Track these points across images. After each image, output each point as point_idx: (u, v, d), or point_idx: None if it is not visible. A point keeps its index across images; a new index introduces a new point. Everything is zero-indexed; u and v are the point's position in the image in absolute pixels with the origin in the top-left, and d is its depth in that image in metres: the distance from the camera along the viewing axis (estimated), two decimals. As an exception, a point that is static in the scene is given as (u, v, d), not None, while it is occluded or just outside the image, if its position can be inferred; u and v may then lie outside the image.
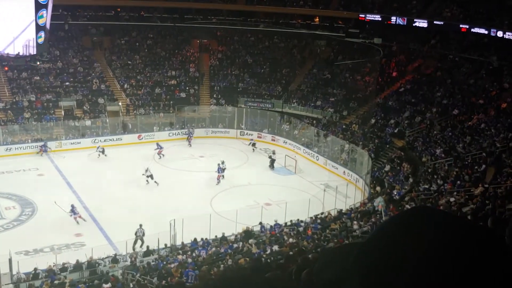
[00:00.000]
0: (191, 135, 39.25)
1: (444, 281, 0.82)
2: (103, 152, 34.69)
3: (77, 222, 25.01)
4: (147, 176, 29.97)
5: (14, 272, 19.54)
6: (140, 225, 23.25)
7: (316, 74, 45.39)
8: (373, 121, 37.45)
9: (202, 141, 39.60)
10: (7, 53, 39.13)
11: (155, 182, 29.99)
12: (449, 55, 40.56)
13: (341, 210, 26.56)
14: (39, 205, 27.12)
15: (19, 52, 39.61)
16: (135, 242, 22.97)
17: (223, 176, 31.33)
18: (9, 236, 23.95)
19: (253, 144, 38.13)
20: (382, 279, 0.84)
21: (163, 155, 35.01)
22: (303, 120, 40.79)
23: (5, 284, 18.99)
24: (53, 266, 20.33)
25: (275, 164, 34.48)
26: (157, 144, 35.45)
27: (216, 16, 48.98)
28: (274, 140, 40.02)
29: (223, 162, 31.73)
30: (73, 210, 25.07)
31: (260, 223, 24.39)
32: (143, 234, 23.02)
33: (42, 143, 35.49)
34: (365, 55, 44.12)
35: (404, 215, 0.93)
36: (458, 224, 0.90)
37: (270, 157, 34.84)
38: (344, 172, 33.62)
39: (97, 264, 20.86)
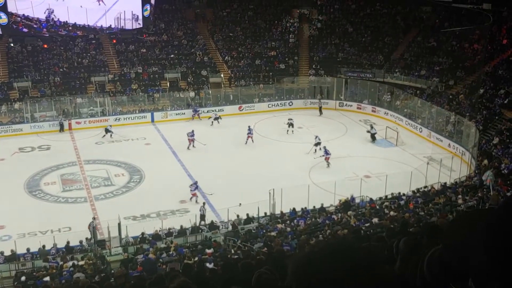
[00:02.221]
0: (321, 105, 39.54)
1: None
2: (217, 119, 35.97)
3: (191, 199, 25.04)
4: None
5: (123, 236, 20.79)
6: (204, 203, 23.52)
7: (421, 42, 43.59)
8: (481, 91, 35.51)
9: (301, 112, 39.60)
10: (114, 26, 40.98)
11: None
12: None
13: (445, 184, 25.60)
14: (146, 173, 28.53)
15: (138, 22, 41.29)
16: (200, 221, 22.79)
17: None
18: (118, 201, 25.44)
19: (291, 125, 34.67)
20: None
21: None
22: (406, 90, 39.49)
23: (115, 247, 20.26)
24: (159, 231, 21.41)
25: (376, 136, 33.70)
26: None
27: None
28: (375, 111, 39.15)
29: (316, 137, 31.51)
30: (195, 185, 25.24)
31: (352, 196, 24.04)
32: (204, 213, 22.94)
33: (193, 109, 37.74)
34: (474, 21, 41.63)
35: None
36: None
37: (368, 131, 33.92)
38: (449, 144, 32.30)
39: (200, 230, 21.70)
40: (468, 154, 30.02)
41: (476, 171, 27.29)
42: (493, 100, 34.26)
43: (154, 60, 42.39)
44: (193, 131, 32.28)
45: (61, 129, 35.32)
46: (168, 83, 40.86)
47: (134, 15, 40.31)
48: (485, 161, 28.18)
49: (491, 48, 39.42)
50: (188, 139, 31.99)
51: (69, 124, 35.67)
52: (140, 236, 20.95)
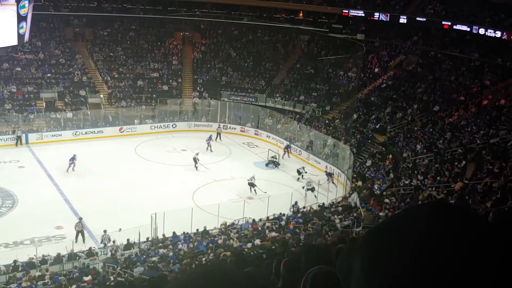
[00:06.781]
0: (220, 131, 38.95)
1: (447, 278, 0.81)
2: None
3: None
4: None
5: (-7, 265, 19.37)
6: (105, 231, 22.28)
7: (300, 69, 45.46)
8: (355, 116, 37.65)
9: (185, 134, 39.47)
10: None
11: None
12: (431, 52, 40.89)
13: (323, 204, 26.71)
14: (19, 197, 26.84)
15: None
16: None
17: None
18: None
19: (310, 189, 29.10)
20: (382, 266, 0.85)
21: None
22: (286, 114, 40.85)
23: (-16, 277, 18.84)
24: (34, 258, 20.20)
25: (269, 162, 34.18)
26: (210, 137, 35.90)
27: (199, 9, 48.75)
28: (258, 134, 40.02)
29: (197, 154, 32.10)
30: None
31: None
32: (108, 241, 22.08)
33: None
34: (348, 50, 44.29)
35: (419, 207, 0.93)
36: (473, 222, 0.88)
37: (272, 161, 34.21)
38: (326, 166, 33.75)
39: (77, 257, 20.75)
40: (343, 176, 31.57)
41: (351, 192, 28.76)
42: (365, 125, 36.44)
43: (30, 79, 40.24)
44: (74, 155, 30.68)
45: (19, 142, 34.69)
46: (44, 103, 38.92)
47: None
48: (359, 182, 29.81)
49: (364, 76, 42.06)
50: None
51: None
52: (13, 264, 19.61)
